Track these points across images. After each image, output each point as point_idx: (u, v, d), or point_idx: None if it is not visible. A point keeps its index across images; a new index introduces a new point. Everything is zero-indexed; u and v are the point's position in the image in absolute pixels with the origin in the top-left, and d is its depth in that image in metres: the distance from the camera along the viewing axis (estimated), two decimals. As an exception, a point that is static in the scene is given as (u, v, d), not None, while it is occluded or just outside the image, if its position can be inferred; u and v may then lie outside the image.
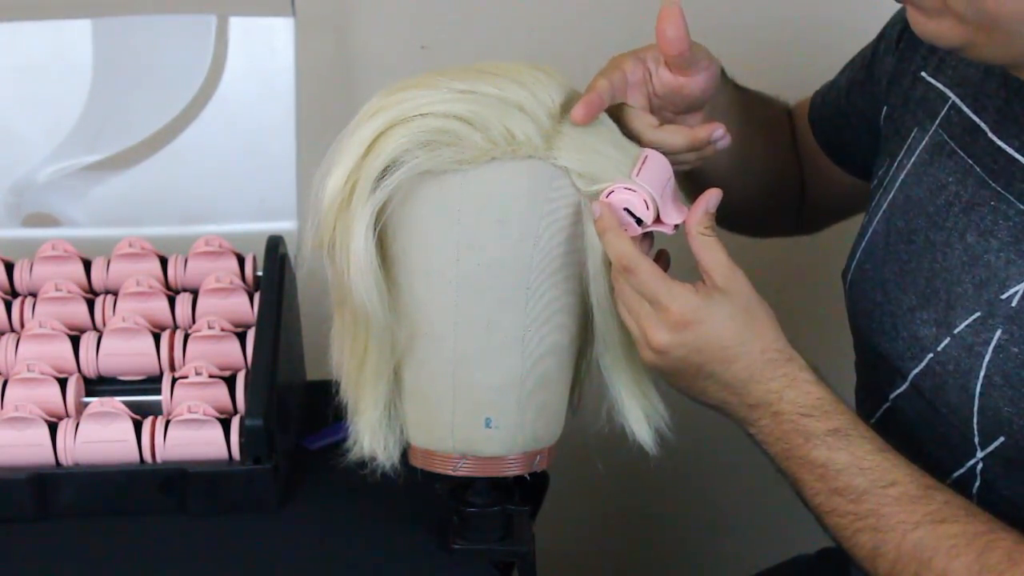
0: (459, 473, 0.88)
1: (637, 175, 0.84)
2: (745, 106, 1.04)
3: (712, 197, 0.84)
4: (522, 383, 0.86)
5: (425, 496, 0.94)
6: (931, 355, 0.85)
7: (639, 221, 0.84)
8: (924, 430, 0.88)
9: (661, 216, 0.85)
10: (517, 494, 0.93)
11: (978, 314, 0.83)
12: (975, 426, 0.83)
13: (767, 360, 0.83)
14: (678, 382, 0.85)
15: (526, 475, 0.90)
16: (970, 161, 0.86)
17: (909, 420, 0.89)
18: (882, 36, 1.02)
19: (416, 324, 0.86)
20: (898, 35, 0.99)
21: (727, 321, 0.82)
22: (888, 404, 0.91)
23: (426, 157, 0.81)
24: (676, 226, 0.86)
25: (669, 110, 0.92)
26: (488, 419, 0.87)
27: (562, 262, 0.85)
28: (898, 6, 0.97)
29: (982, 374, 0.82)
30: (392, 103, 0.81)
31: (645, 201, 0.83)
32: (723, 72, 0.99)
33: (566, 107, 0.84)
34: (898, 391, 0.90)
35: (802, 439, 0.81)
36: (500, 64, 0.84)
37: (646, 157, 0.85)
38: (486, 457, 0.88)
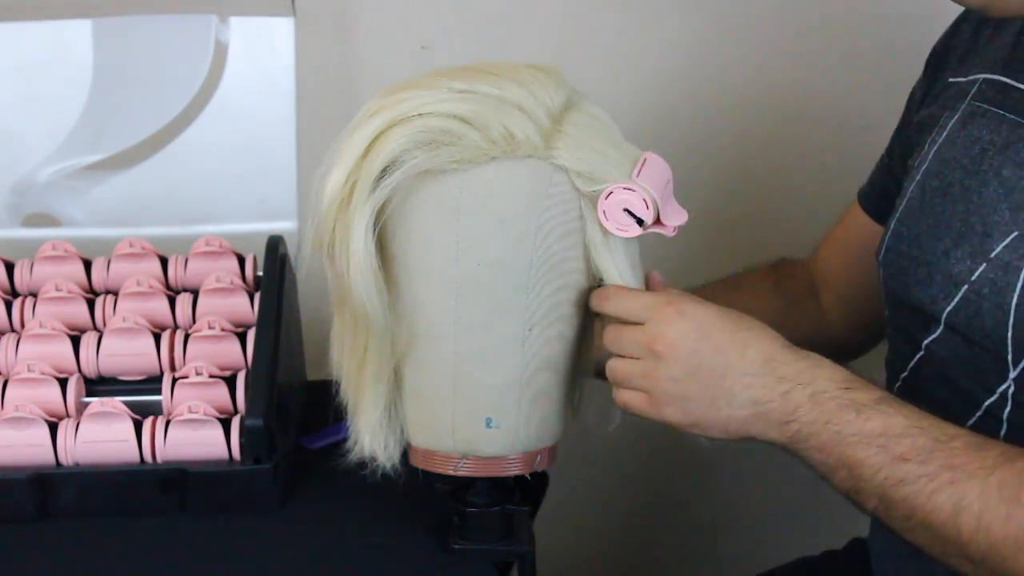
0: (459, 473, 0.88)
1: (637, 176, 0.84)
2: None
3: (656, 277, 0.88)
4: (522, 383, 0.86)
5: (425, 496, 0.94)
6: (966, 287, 0.86)
7: (640, 222, 0.84)
8: (957, 368, 0.88)
9: (661, 217, 0.85)
10: (517, 494, 0.93)
11: (1016, 234, 0.83)
12: (1009, 343, 0.83)
13: (783, 344, 0.82)
14: (703, 396, 0.82)
15: (527, 475, 0.90)
16: (1003, 112, 0.88)
17: (942, 361, 0.90)
18: (912, 90, 1.05)
19: (416, 324, 0.86)
20: (924, 67, 1.03)
21: (724, 313, 0.83)
22: (921, 352, 0.92)
23: (425, 157, 0.81)
24: (676, 228, 0.86)
25: None
26: (488, 419, 0.87)
27: (562, 261, 0.85)
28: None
29: (1019, 286, 0.83)
30: (391, 103, 0.81)
31: (645, 201, 0.83)
32: None
33: (566, 107, 0.84)
34: (932, 336, 0.90)
35: (853, 413, 0.79)
36: (499, 64, 0.84)
37: (646, 159, 0.85)
38: (486, 457, 0.88)
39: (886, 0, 1.38)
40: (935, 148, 0.94)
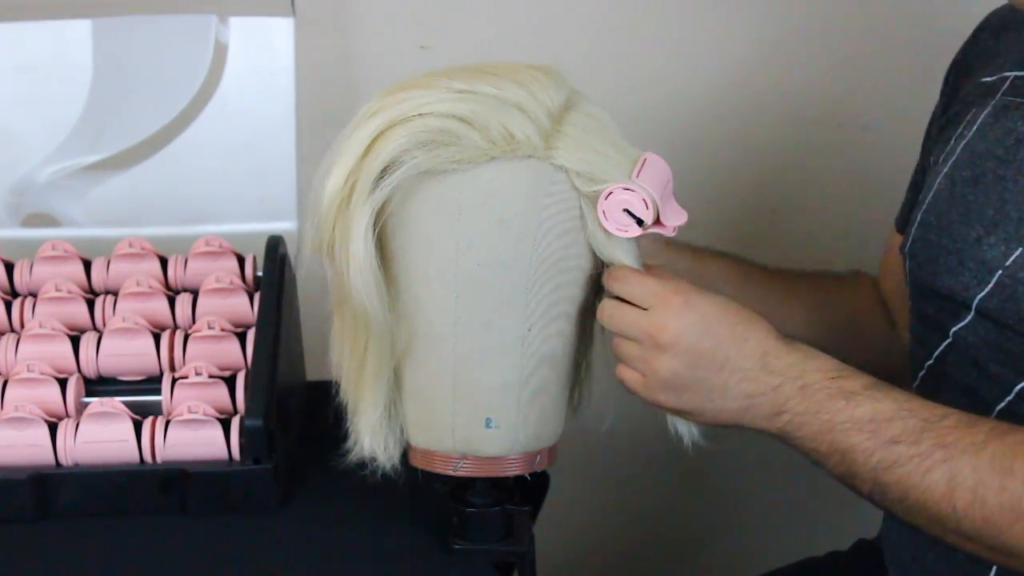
0: (459, 473, 0.88)
1: (637, 176, 0.84)
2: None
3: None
4: (522, 383, 0.86)
5: (425, 496, 0.94)
6: (1000, 271, 0.86)
7: (639, 222, 0.84)
8: (987, 353, 0.88)
9: (661, 218, 0.85)
10: (517, 494, 0.93)
11: None
12: None
13: (776, 337, 0.83)
14: (699, 388, 0.83)
15: (526, 475, 0.90)
16: None
17: (971, 347, 0.90)
18: (930, 120, 1.05)
19: (416, 324, 0.86)
20: (944, 84, 1.03)
21: (725, 306, 0.83)
22: (949, 340, 0.92)
23: (425, 157, 0.81)
24: (676, 229, 0.86)
25: None
26: (488, 419, 0.87)
27: (561, 260, 0.85)
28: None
29: None
30: (391, 103, 0.81)
31: (644, 201, 0.83)
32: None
33: (566, 107, 0.84)
34: (962, 323, 0.90)
35: (843, 401, 0.81)
36: (499, 64, 0.84)
37: (645, 159, 0.85)
38: (486, 457, 0.88)
39: (886, 0, 1.38)
40: (964, 142, 0.94)
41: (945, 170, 0.95)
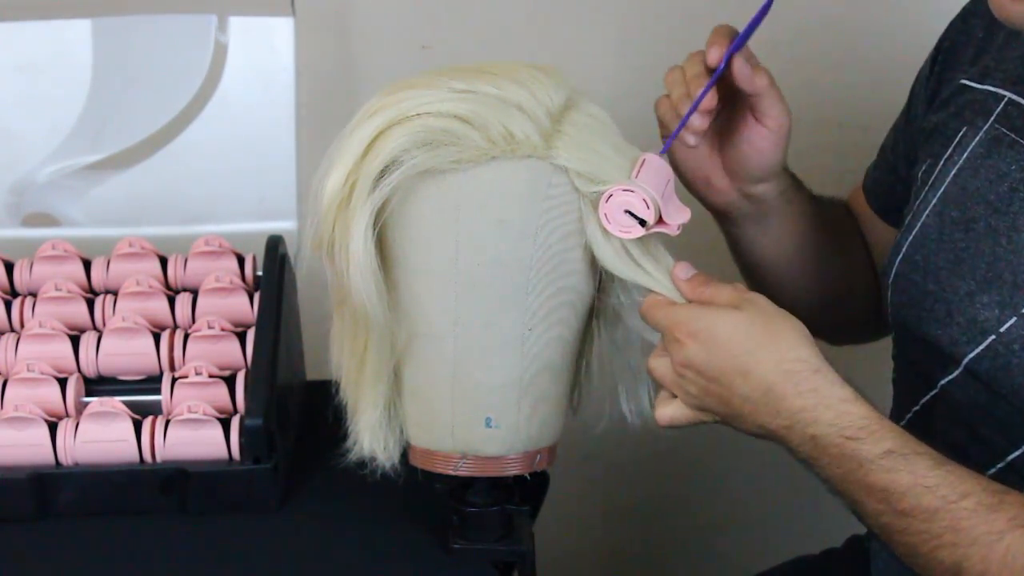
0: (459, 473, 0.88)
1: (636, 177, 0.84)
2: (817, 211, 1.04)
3: (680, 269, 0.85)
4: (522, 382, 0.86)
5: (425, 496, 0.94)
6: (993, 337, 0.83)
7: (642, 223, 0.84)
8: (977, 414, 0.86)
9: (663, 217, 0.85)
10: (517, 494, 0.93)
11: None
12: None
13: (784, 372, 0.79)
14: (721, 412, 0.82)
15: (526, 475, 0.90)
16: None
17: (960, 405, 0.87)
18: (916, 80, 1.03)
19: (416, 324, 0.86)
20: (931, 61, 1.00)
21: (734, 330, 0.80)
22: (936, 391, 0.89)
23: (425, 157, 0.81)
24: (680, 226, 0.86)
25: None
26: (488, 419, 0.87)
27: (562, 262, 0.85)
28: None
29: None
30: (391, 103, 0.81)
31: (645, 201, 0.83)
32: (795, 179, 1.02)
33: (566, 107, 0.84)
34: (949, 377, 0.87)
35: (855, 464, 0.77)
36: (499, 64, 0.84)
37: (644, 160, 0.85)
38: (486, 457, 0.88)
39: (885, 0, 1.38)
40: (954, 171, 0.90)
41: (933, 201, 0.91)
